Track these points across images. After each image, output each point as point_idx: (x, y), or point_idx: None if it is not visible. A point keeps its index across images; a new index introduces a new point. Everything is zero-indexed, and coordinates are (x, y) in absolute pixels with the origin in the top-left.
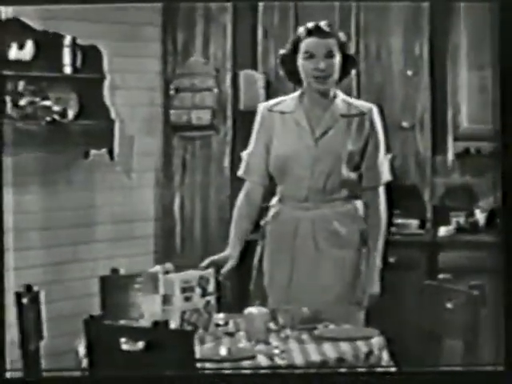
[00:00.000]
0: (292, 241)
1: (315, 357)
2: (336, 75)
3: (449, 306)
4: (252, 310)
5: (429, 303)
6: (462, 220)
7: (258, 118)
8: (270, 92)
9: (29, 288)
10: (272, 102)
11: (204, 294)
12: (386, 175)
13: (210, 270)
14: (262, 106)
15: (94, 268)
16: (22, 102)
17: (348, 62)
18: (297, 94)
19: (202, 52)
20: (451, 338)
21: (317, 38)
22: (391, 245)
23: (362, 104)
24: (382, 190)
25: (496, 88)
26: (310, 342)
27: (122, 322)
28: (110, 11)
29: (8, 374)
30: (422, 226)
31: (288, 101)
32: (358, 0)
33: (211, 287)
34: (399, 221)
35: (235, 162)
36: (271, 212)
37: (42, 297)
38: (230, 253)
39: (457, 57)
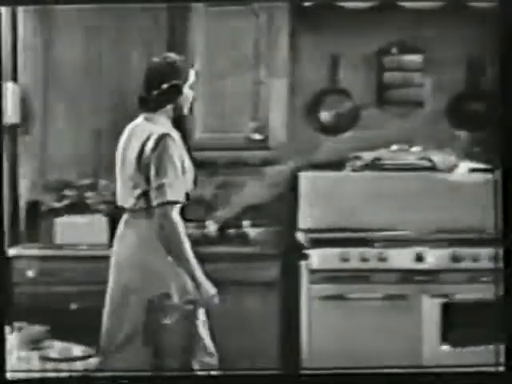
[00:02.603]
0: None
1: None
2: None
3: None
4: None
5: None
6: (195, 231)
7: (169, 144)
8: None
9: None
10: (164, 127)
11: None
12: None
13: None
14: (171, 132)
15: None
16: None
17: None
18: (164, 118)
19: None
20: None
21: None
22: None
23: None
24: None
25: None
26: None
27: None
28: None
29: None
30: None
31: (167, 125)
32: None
33: None
34: None
35: None
36: None
37: None
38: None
39: None
